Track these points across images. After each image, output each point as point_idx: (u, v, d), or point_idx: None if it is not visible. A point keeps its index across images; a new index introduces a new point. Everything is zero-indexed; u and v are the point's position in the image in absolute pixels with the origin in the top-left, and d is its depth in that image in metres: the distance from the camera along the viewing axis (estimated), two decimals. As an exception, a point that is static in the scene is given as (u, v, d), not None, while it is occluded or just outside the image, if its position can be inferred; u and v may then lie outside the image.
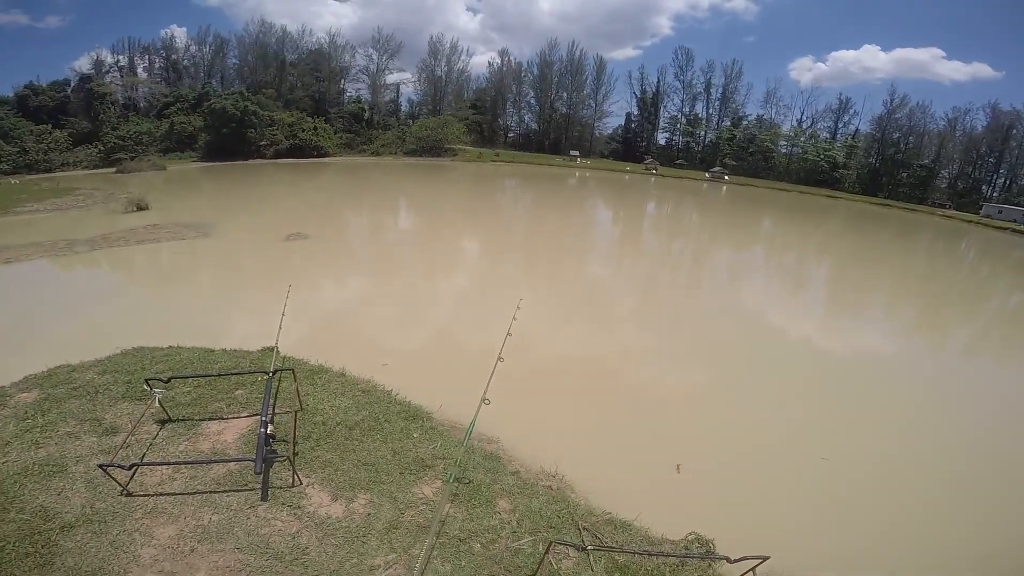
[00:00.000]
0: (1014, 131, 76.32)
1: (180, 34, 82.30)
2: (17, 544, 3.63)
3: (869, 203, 61.81)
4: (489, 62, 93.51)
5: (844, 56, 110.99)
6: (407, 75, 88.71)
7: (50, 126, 56.27)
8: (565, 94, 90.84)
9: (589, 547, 3.35)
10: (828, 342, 11.68)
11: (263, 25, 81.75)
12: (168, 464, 4.48)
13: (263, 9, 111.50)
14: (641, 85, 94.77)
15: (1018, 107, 76.88)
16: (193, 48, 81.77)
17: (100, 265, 15.03)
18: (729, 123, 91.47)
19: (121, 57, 78.88)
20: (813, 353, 10.79)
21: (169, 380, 5.36)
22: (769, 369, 9.41)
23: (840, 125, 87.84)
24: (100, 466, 4.03)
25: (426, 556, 3.76)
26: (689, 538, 4.49)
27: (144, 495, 4.25)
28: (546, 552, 3.54)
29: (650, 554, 3.46)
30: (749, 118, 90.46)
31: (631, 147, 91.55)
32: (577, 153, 79.29)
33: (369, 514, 4.24)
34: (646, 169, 70.88)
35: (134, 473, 4.42)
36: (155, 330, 8.30)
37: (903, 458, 6.74)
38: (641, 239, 25.66)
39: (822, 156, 78.04)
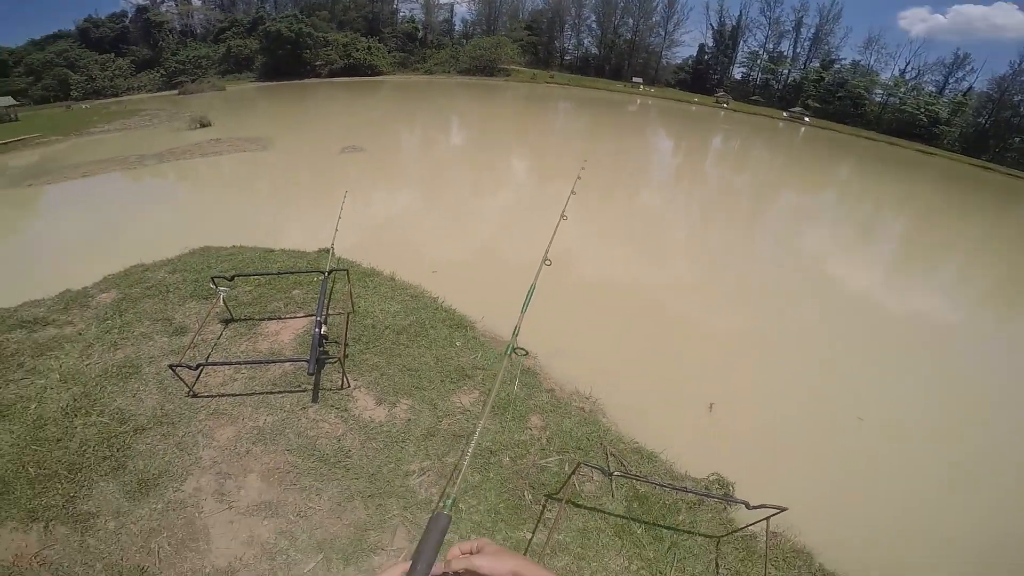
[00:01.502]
0: None
1: None
2: (97, 448, 4.03)
3: (968, 163, 55.32)
4: None
5: (970, 11, 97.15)
6: None
7: (112, 55, 59.39)
8: (631, 20, 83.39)
9: (615, 473, 3.48)
10: (886, 300, 10.89)
11: None
12: (230, 364, 4.87)
13: None
14: (720, 17, 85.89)
15: None
16: None
17: (168, 176, 15.97)
18: (818, 64, 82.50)
19: None
20: (869, 309, 10.10)
21: (232, 278, 5.73)
22: (819, 319, 9.00)
23: (951, 81, 77.43)
24: (170, 366, 4.40)
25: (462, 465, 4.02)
26: (711, 478, 4.59)
27: (208, 396, 4.66)
28: (572, 472, 3.72)
29: (672, 488, 3.58)
30: (842, 62, 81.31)
31: (701, 79, 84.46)
32: (640, 80, 73.89)
33: (409, 420, 4.55)
34: (716, 102, 65.64)
35: (200, 373, 4.85)
36: (219, 232, 8.89)
37: (945, 430, 6.39)
38: (700, 172, 24.09)
39: (923, 109, 69.46)
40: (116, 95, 53.65)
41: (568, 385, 5.64)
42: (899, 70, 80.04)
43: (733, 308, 8.97)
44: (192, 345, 5.24)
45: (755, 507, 3.34)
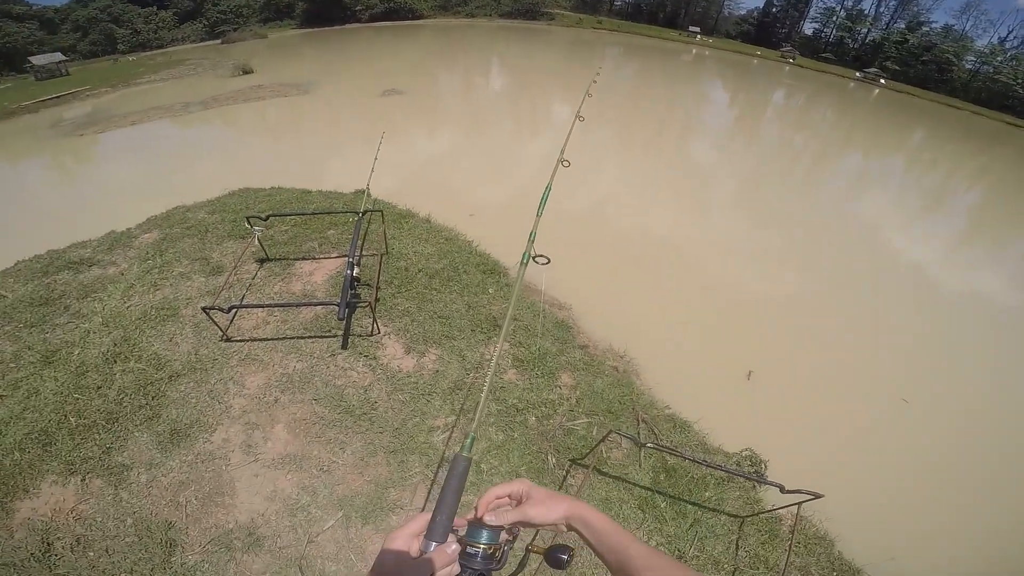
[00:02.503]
0: None
1: None
2: (133, 396, 4.10)
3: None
4: None
5: None
6: None
7: (155, 8, 59.93)
8: (691, -36, 77.02)
9: (648, 444, 3.31)
10: (947, 275, 9.98)
11: None
12: (262, 307, 4.89)
13: None
14: None
15: None
16: None
17: (212, 122, 16.20)
18: (904, 26, 74.47)
19: None
20: (925, 284, 9.28)
21: (267, 218, 5.68)
22: (872, 291, 8.29)
23: None
24: (204, 309, 4.42)
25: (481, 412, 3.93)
26: (743, 453, 4.38)
27: (240, 340, 4.69)
28: (602, 440, 3.58)
29: (706, 464, 3.38)
30: (933, 25, 72.99)
31: (767, 32, 78.11)
32: (698, 29, 68.90)
33: (437, 371, 4.47)
34: (781, 56, 60.84)
35: (233, 316, 4.89)
36: (259, 175, 8.97)
37: (997, 420, 5.82)
38: (756, 127, 22.25)
39: (1021, 80, 62.15)
40: (161, 47, 54.73)
41: (602, 342, 5.43)
42: (999, 38, 71.82)
43: (780, 271, 8.38)
44: (227, 285, 5.28)
45: (790, 491, 3.12)
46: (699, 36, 65.79)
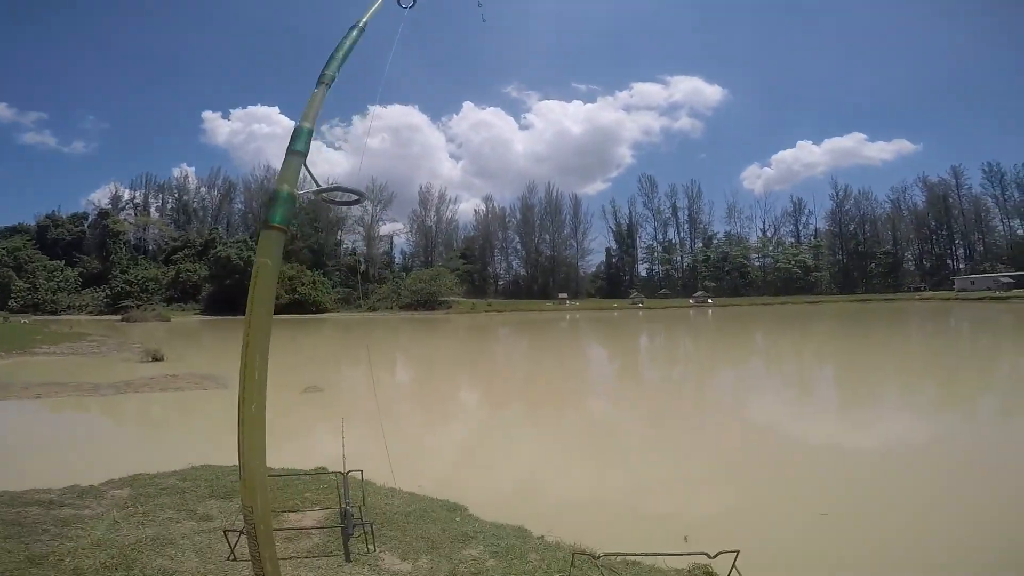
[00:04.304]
0: (950, 200, 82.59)
1: (191, 174, 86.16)
2: None
3: (849, 301, 64.86)
4: (475, 210, 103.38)
5: (784, 156, 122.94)
6: (399, 225, 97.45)
7: (63, 263, 59.24)
8: (548, 236, 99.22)
9: (601, 553, 4.43)
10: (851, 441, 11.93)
11: (268, 171, 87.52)
12: (279, 530, 5.49)
13: (263, 153, 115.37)
14: (615, 218, 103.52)
15: (944, 176, 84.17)
16: (203, 190, 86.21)
17: (129, 406, 16.34)
18: (701, 244, 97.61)
19: (137, 193, 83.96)
20: (839, 455, 10.84)
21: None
22: (789, 488, 9.09)
23: (800, 227, 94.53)
24: (224, 531, 5.03)
25: None
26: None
27: (248, 560, 5.17)
28: (571, 564, 4.60)
29: (645, 555, 4.53)
30: (718, 236, 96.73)
31: (615, 283, 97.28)
32: (565, 296, 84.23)
33: (432, 567, 5.27)
34: (632, 304, 75.07)
35: (235, 544, 5.31)
36: (201, 459, 9.01)
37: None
38: (639, 371, 27.70)
39: (792, 262, 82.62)
40: (55, 312, 52.02)
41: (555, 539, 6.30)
42: (760, 230, 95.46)
43: (708, 493, 9.11)
44: (223, 528, 5.71)
45: (715, 555, 4.33)
46: (568, 301, 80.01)
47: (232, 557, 5.24)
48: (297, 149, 2.29)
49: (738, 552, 4.43)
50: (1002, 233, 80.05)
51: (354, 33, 3.03)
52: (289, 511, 6.71)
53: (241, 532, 5.12)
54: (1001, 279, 55.20)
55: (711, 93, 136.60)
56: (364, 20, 3.19)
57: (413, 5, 4.08)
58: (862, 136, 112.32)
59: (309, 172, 2.38)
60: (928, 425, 13.35)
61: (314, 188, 2.46)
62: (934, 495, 8.49)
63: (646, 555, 4.69)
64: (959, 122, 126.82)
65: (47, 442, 11.30)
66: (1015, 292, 50.32)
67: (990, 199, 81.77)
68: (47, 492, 6.82)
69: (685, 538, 6.73)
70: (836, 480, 9.34)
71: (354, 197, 2.71)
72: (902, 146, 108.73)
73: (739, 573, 4.58)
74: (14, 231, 65.93)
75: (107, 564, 4.85)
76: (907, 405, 15.78)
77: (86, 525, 5.75)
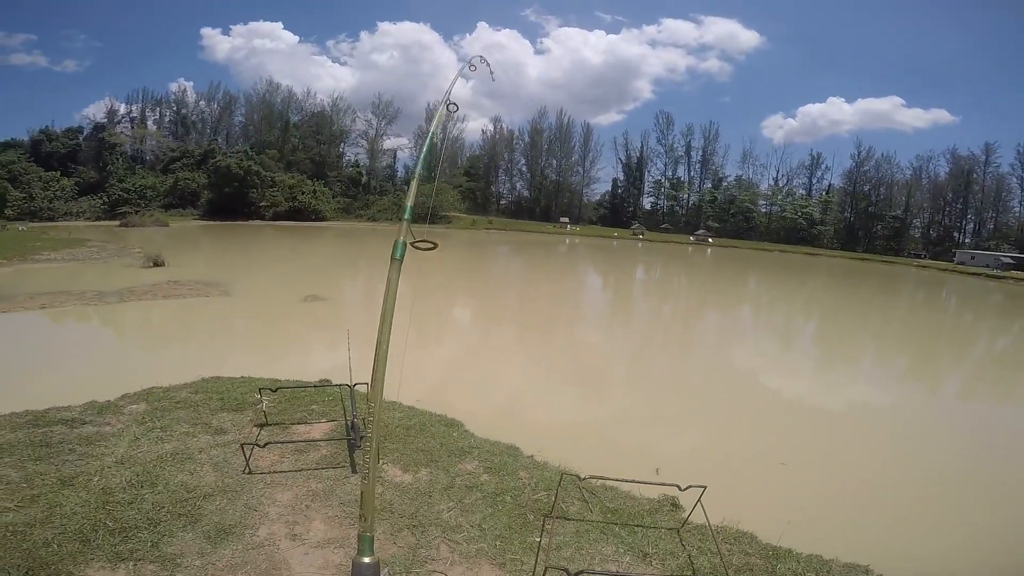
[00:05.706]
0: (974, 175, 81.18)
1: (189, 89, 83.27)
2: (171, 507, 4.82)
3: (848, 258, 65.18)
4: (483, 129, 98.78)
5: (811, 110, 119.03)
6: (404, 140, 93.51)
7: (59, 173, 57.75)
8: (555, 161, 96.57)
9: (585, 475, 5.00)
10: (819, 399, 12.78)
11: (270, 85, 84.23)
12: (292, 442, 6.08)
13: (265, 69, 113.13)
14: (626, 150, 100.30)
15: (975, 151, 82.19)
16: (202, 104, 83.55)
17: (135, 315, 16.32)
18: (710, 185, 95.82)
19: (133, 107, 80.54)
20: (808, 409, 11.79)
21: (276, 390, 7.01)
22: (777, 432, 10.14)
23: (814, 181, 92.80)
24: (241, 444, 5.51)
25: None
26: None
27: (262, 472, 5.72)
28: (559, 484, 5.15)
29: (624, 481, 5.09)
30: (729, 179, 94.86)
31: (618, 212, 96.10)
32: (567, 220, 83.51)
33: (431, 479, 5.84)
34: (633, 235, 74.88)
35: (250, 456, 5.83)
36: (209, 371, 9.31)
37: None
38: (631, 304, 28.28)
39: (800, 214, 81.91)
40: (52, 219, 51.27)
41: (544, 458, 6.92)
42: (773, 179, 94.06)
43: (681, 429, 10.05)
44: (236, 441, 6.22)
45: (685, 488, 4.89)
46: (568, 226, 79.41)
47: (248, 470, 5.70)
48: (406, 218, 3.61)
49: (705, 488, 5.06)
50: (1016, 214, 78.89)
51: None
52: (298, 423, 7.22)
53: (255, 446, 5.64)
54: (1002, 258, 55.37)
55: (747, 38, 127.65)
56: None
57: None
58: (899, 101, 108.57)
59: (409, 227, 3.56)
60: (889, 391, 14.16)
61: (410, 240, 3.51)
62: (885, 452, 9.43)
63: (624, 481, 5.22)
64: (1003, 99, 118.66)
65: (58, 356, 11.46)
66: (1012, 273, 50.75)
67: (1015, 179, 79.37)
68: (68, 410, 6.91)
69: (656, 470, 7.40)
70: (800, 433, 10.25)
71: (431, 245, 3.52)
72: (939, 116, 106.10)
73: (703, 507, 5.27)
74: (7, 146, 63.36)
75: (133, 482, 5.19)
76: (876, 369, 16.65)
77: (108, 443, 5.93)
